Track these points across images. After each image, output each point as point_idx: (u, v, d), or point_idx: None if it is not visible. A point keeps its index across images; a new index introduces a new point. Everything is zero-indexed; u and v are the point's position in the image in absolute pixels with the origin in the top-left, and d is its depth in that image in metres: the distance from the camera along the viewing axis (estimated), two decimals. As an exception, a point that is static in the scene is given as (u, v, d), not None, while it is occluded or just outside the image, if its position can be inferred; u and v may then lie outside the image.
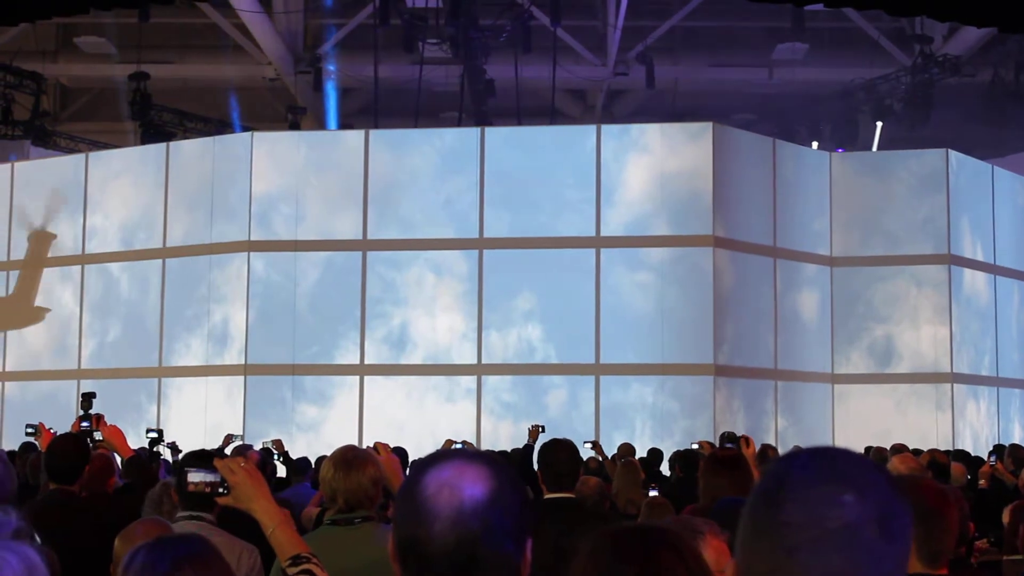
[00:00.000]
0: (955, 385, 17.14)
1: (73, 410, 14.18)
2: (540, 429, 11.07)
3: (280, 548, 3.06)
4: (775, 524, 1.45)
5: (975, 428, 17.57)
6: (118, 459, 6.73)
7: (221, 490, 3.08)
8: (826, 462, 1.49)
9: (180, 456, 11.26)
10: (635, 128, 16.74)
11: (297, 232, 16.21)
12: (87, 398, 7.85)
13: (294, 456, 11.39)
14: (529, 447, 10.88)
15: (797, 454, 1.52)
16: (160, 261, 16.92)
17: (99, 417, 7.14)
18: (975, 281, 17.87)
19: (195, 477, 3.14)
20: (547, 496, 5.38)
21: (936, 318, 17.21)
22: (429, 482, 1.81)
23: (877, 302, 17.35)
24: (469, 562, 1.78)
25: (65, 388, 16.88)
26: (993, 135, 23.25)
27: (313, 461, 10.60)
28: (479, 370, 15.96)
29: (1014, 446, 11.76)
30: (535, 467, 5.54)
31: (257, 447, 12.56)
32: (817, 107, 22.30)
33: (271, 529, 3.05)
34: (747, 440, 6.26)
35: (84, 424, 7.09)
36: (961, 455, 11.04)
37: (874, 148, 20.94)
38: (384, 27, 19.73)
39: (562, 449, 5.45)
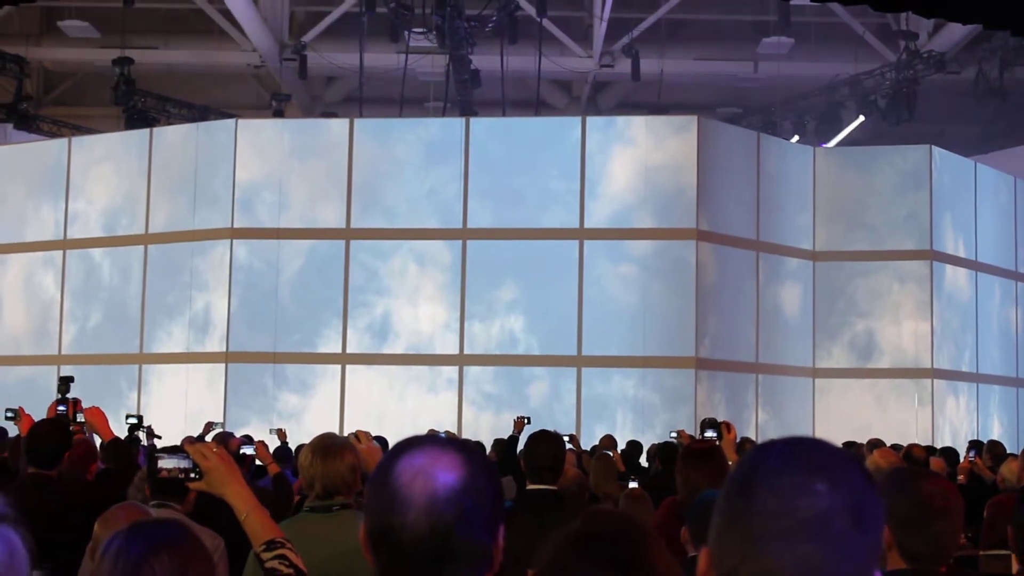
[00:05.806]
0: (935, 381, 17.18)
1: (53, 396, 14.09)
2: (526, 420, 11.05)
3: (254, 533, 3.01)
4: (747, 513, 1.44)
5: (954, 424, 17.63)
6: (98, 442, 6.69)
7: (193, 475, 3.04)
8: (799, 451, 1.48)
9: (155, 444, 11.25)
10: (620, 120, 16.72)
11: (280, 220, 16.16)
12: (64, 382, 7.81)
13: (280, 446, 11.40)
14: (514, 438, 10.87)
15: (770, 444, 1.51)
16: (142, 247, 16.85)
17: (76, 401, 7.11)
18: (957, 277, 17.91)
19: (167, 463, 3.09)
20: (528, 487, 5.35)
21: (917, 313, 17.25)
22: (403, 469, 1.80)
23: (859, 297, 17.38)
24: (443, 550, 1.77)
25: (45, 373, 16.77)
26: (977, 132, 23.33)
27: (294, 449, 10.61)
28: (461, 360, 15.93)
29: (992, 442, 11.81)
30: (519, 458, 5.50)
31: (268, 434, 12.60)
32: (801, 102, 22.33)
33: (244, 514, 3.01)
34: (728, 426, 6.22)
35: (60, 408, 7.05)
36: (933, 450, 11.06)
37: (836, 141, 21.08)
38: (370, 15, 19.69)
39: (544, 443, 5.37)
